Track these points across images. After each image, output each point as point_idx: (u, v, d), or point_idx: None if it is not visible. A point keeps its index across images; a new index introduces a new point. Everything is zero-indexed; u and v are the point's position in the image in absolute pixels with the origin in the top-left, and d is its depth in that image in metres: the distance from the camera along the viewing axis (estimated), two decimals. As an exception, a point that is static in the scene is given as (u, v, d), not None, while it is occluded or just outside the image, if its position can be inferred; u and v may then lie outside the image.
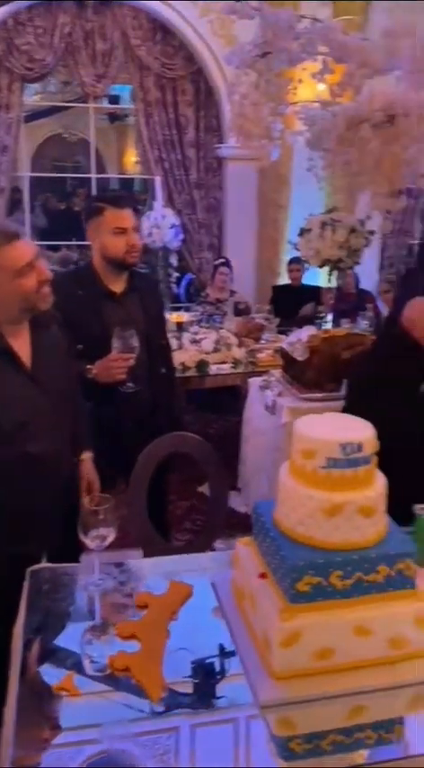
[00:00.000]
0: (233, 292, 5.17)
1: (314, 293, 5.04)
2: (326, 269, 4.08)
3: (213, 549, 2.17)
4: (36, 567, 1.65)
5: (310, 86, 3.83)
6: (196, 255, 6.23)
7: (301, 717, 1.24)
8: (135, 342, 2.22)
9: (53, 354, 1.85)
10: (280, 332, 4.38)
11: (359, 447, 1.29)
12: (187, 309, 5.21)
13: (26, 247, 1.73)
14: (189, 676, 1.31)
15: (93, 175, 6.74)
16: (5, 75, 5.61)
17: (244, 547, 1.47)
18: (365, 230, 3.86)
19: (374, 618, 1.25)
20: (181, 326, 4.01)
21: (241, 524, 3.02)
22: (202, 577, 1.60)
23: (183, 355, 3.75)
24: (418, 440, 2.01)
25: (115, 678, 1.29)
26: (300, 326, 3.68)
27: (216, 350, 3.84)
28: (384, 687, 1.27)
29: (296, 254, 4.49)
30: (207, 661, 1.35)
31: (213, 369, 3.85)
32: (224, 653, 1.37)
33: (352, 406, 2.11)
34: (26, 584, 1.58)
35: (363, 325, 4.24)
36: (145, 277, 2.83)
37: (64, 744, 1.15)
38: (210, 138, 6.14)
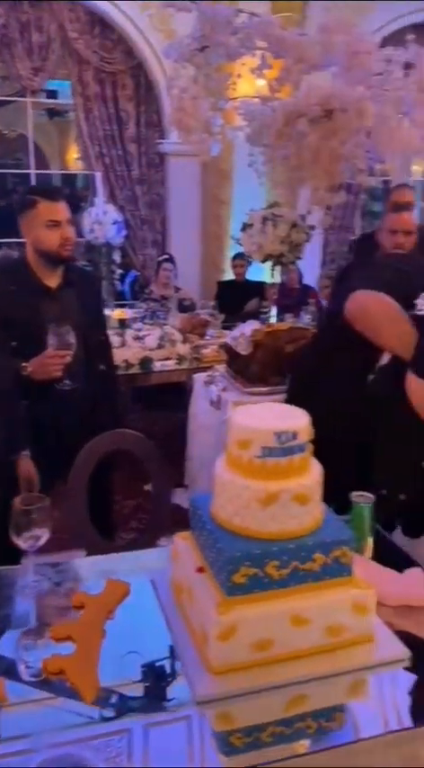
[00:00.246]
0: (177, 288, 5.15)
1: (258, 289, 5.05)
2: (269, 264, 4.09)
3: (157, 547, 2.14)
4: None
5: (249, 82, 3.83)
6: (139, 252, 6.17)
7: (240, 710, 1.22)
8: (71, 338, 2.17)
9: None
10: (225, 327, 4.37)
11: (294, 435, 1.28)
12: (131, 307, 5.15)
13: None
14: (140, 680, 1.27)
15: (32, 171, 6.59)
16: None
17: (182, 541, 1.45)
18: (305, 225, 3.89)
19: (310, 607, 1.24)
20: (123, 323, 3.95)
21: (187, 521, 3.00)
22: (142, 575, 1.57)
23: (126, 352, 3.70)
24: (359, 430, 2.03)
25: (49, 682, 1.24)
26: (244, 322, 3.68)
27: (160, 346, 3.81)
28: (323, 675, 1.26)
29: (240, 249, 4.48)
30: (158, 663, 1.31)
31: (157, 365, 3.81)
32: (174, 654, 1.33)
33: (294, 399, 2.12)
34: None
35: (306, 319, 4.27)
36: (81, 271, 2.77)
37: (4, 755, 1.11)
38: (152, 134, 6.09)
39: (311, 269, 5.89)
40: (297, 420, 1.31)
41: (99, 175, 5.93)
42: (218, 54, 3.54)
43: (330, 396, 2.15)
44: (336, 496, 1.64)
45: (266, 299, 4.60)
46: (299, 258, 4.04)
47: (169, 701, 1.23)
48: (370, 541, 1.58)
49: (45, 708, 1.21)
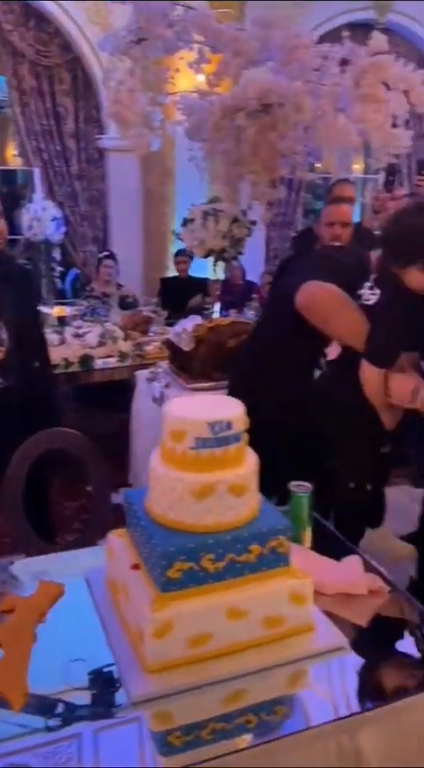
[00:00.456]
0: (119, 286, 5.07)
1: (202, 285, 5.03)
2: (211, 259, 4.06)
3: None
4: None
5: (188, 77, 3.80)
6: (80, 249, 6.06)
7: (179, 708, 1.19)
8: (2, 334, 2.09)
9: None
10: (168, 324, 4.33)
11: (229, 425, 1.25)
12: (72, 305, 5.04)
13: None
14: (87, 687, 1.22)
15: (-32, 167, 6.39)
16: None
17: (118, 539, 1.41)
18: (247, 220, 3.88)
19: (247, 599, 1.22)
20: (63, 321, 3.86)
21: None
22: (78, 575, 1.52)
23: (66, 350, 3.61)
24: (305, 423, 2.02)
25: (-23, 691, 1.18)
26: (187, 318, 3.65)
27: (100, 344, 3.73)
28: (262, 668, 1.24)
29: (182, 245, 4.44)
30: (105, 670, 1.26)
31: (99, 363, 3.74)
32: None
33: (235, 393, 2.09)
34: None
35: (249, 314, 4.28)
36: (13, 265, 2.68)
37: None
38: (91, 129, 5.98)
39: (254, 265, 5.90)
40: (231, 410, 1.28)
41: (37, 171, 5.79)
42: (155, 47, 3.49)
43: (274, 388, 2.14)
44: (280, 488, 1.63)
45: (209, 296, 4.57)
46: (241, 254, 4.02)
47: (117, 706, 1.18)
48: (309, 531, 1.57)
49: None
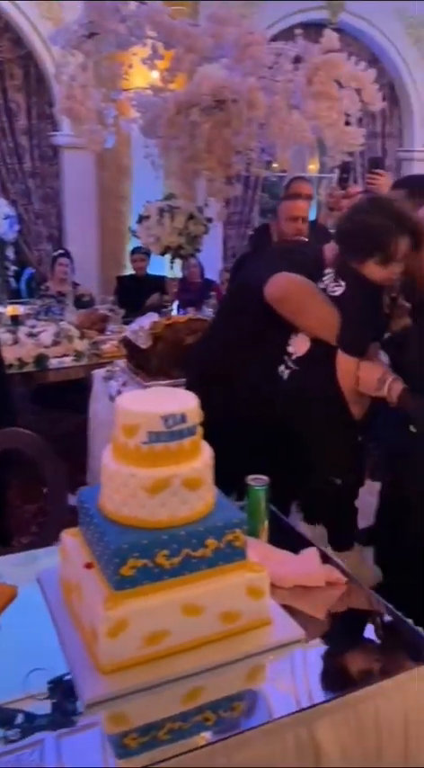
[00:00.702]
0: (75, 284, 4.99)
1: (160, 283, 5.00)
2: (168, 257, 4.03)
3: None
4: None
5: (142, 73, 3.77)
6: (34, 247, 5.95)
7: (135, 709, 1.17)
8: None
9: None
10: (126, 322, 4.28)
11: (183, 418, 1.23)
12: (27, 304, 4.94)
13: None
14: (47, 697, 1.18)
15: None
16: None
17: (71, 538, 1.37)
18: (203, 217, 3.86)
19: (204, 594, 1.20)
20: (16, 320, 3.78)
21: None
22: (32, 576, 1.48)
23: (20, 350, 3.53)
24: (269, 419, 2.01)
25: None
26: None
27: (55, 343, 3.67)
28: (219, 664, 1.23)
29: (139, 243, 4.40)
30: (65, 678, 1.22)
31: (53, 362, 3.67)
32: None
33: (193, 389, 2.07)
34: None
35: (208, 312, 4.26)
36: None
37: None
38: (44, 126, 5.87)
39: (212, 263, 5.89)
40: (185, 402, 1.26)
41: (-11, 168, 5.66)
42: (108, 42, 3.45)
43: (235, 385, 2.12)
44: (240, 484, 1.62)
45: (167, 294, 4.55)
46: (198, 251, 4.00)
47: (78, 713, 1.15)
48: (266, 524, 1.57)
49: None
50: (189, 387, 2.33)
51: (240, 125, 3.22)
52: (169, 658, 1.20)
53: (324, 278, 1.94)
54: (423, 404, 1.63)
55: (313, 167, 7.50)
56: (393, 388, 1.70)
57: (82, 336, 3.84)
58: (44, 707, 1.16)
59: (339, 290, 1.87)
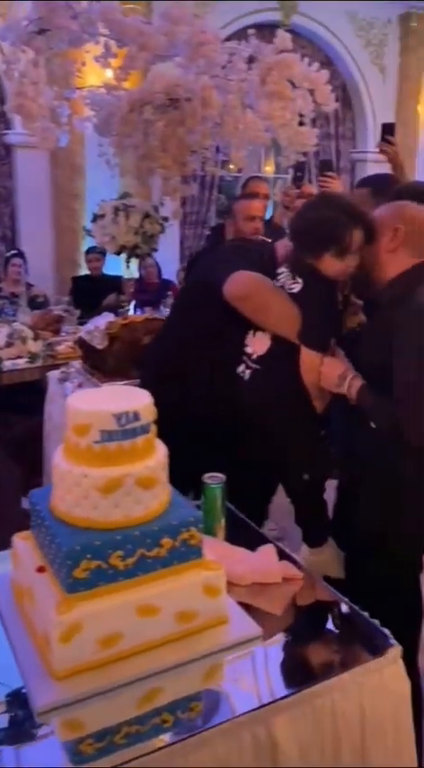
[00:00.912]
0: (29, 285, 4.91)
1: (116, 283, 4.95)
2: (124, 256, 3.99)
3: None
4: None
5: (96, 72, 3.72)
6: (-14, 248, 5.84)
7: (90, 714, 1.14)
8: None
9: None
10: (81, 323, 4.22)
11: (136, 416, 1.21)
12: (-20, 306, 4.83)
13: None
14: (5, 711, 1.14)
15: None
16: None
17: (22, 542, 1.34)
18: (159, 216, 3.84)
19: (159, 594, 1.19)
20: (-32, 321, 3.69)
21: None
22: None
23: (-28, 352, 3.45)
24: (223, 418, 2.00)
25: None
26: (101, 316, 3.56)
27: (9, 344, 3.59)
28: (176, 664, 1.21)
29: (94, 242, 4.34)
30: (24, 691, 1.18)
31: (7, 364, 3.60)
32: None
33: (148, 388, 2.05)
34: None
35: (165, 312, 4.24)
36: None
37: None
38: (-5, 125, 5.77)
39: (169, 263, 5.87)
40: (138, 400, 1.24)
41: None
42: (60, 39, 3.39)
43: (191, 382, 2.10)
44: (194, 482, 1.60)
45: (124, 294, 4.50)
46: (155, 250, 3.97)
47: (39, 726, 1.11)
48: (223, 522, 1.56)
49: None
50: (143, 385, 2.30)
51: (194, 123, 3.21)
52: (124, 661, 1.18)
53: (280, 276, 1.94)
54: (380, 400, 1.64)
55: (268, 168, 7.55)
56: (352, 384, 1.71)
57: (36, 338, 3.77)
58: (1, 720, 1.13)
59: (297, 287, 1.88)
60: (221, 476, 1.56)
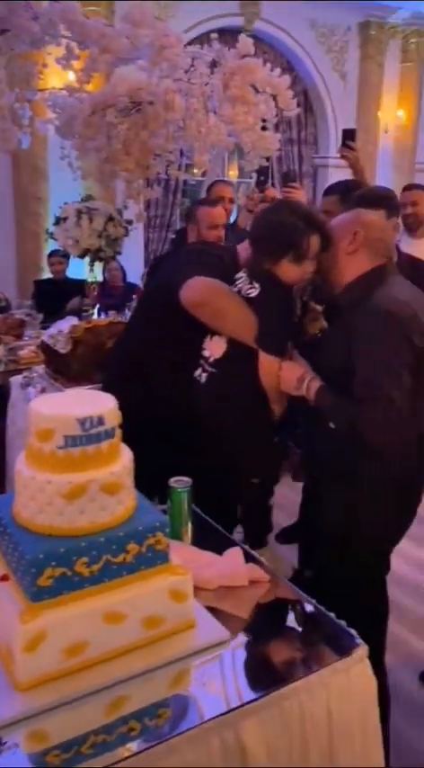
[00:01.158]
0: (-9, 289, 4.83)
1: (79, 287, 4.90)
2: (87, 260, 3.96)
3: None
4: None
5: (59, 74, 3.69)
6: None
7: (56, 725, 1.12)
8: None
9: None
10: (44, 327, 4.17)
11: (100, 420, 1.20)
12: None
13: None
14: None
15: None
16: None
17: (-16, 550, 1.30)
18: (122, 219, 3.82)
19: (125, 600, 1.17)
20: None
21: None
22: None
23: None
24: (185, 421, 1.99)
25: None
26: (64, 320, 3.52)
27: (-30, 349, 3.53)
28: (143, 671, 1.20)
29: (57, 245, 4.30)
30: None
31: (-32, 370, 3.53)
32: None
33: (109, 388, 2.03)
34: None
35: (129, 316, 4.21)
36: None
37: None
38: None
39: (134, 267, 5.84)
40: (103, 404, 1.23)
41: None
42: (21, 40, 3.35)
43: (153, 385, 2.09)
44: (160, 486, 1.59)
45: (87, 297, 4.46)
46: (119, 253, 3.96)
47: (3, 743, 1.09)
48: (190, 526, 1.55)
49: None
50: (106, 387, 2.28)
51: (157, 127, 3.21)
52: (90, 669, 1.16)
53: (238, 281, 1.95)
54: (339, 401, 1.66)
55: (232, 173, 7.59)
56: (311, 386, 1.72)
57: (-3, 342, 3.71)
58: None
59: (254, 292, 1.89)
60: (187, 479, 1.56)
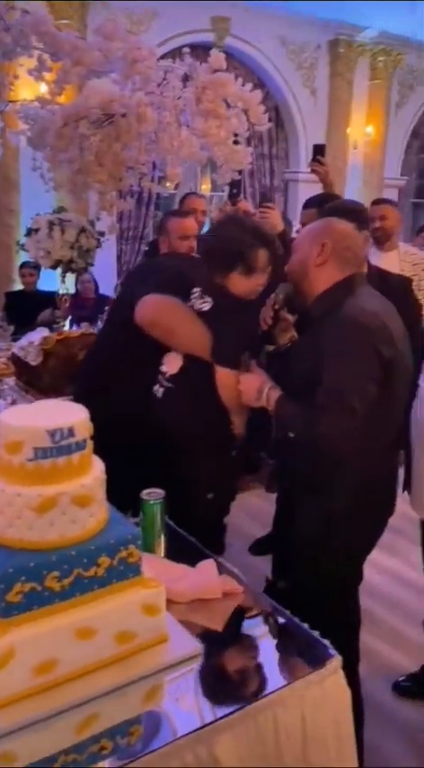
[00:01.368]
0: (-39, 300, 4.77)
1: (51, 299, 4.86)
2: (59, 271, 3.93)
3: None
4: None
5: (31, 86, 3.68)
6: None
7: (25, 745, 1.09)
8: None
9: None
10: (15, 340, 4.12)
11: (71, 432, 1.18)
12: None
13: None
14: None
15: None
16: None
17: None
18: (95, 231, 3.81)
19: (97, 615, 1.15)
20: None
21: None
22: None
23: None
24: (149, 435, 1.98)
25: None
26: (35, 331, 3.48)
27: None
28: (115, 687, 1.18)
29: (28, 257, 4.26)
30: None
31: None
32: None
33: (79, 399, 2.01)
34: None
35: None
36: None
37: None
38: None
39: (107, 279, 5.82)
40: (73, 415, 1.21)
41: None
42: (-8, 51, 3.34)
43: (117, 397, 2.08)
44: (131, 498, 1.57)
45: (59, 309, 4.42)
46: (91, 265, 3.93)
47: None
48: (163, 539, 1.53)
49: None
50: (76, 399, 2.26)
51: (130, 139, 3.21)
52: (60, 687, 1.14)
53: (192, 296, 1.96)
54: (298, 409, 1.65)
55: (205, 186, 7.64)
56: (270, 396, 1.72)
57: (-33, 354, 3.65)
58: None
59: (206, 306, 1.91)
60: (160, 491, 1.54)
